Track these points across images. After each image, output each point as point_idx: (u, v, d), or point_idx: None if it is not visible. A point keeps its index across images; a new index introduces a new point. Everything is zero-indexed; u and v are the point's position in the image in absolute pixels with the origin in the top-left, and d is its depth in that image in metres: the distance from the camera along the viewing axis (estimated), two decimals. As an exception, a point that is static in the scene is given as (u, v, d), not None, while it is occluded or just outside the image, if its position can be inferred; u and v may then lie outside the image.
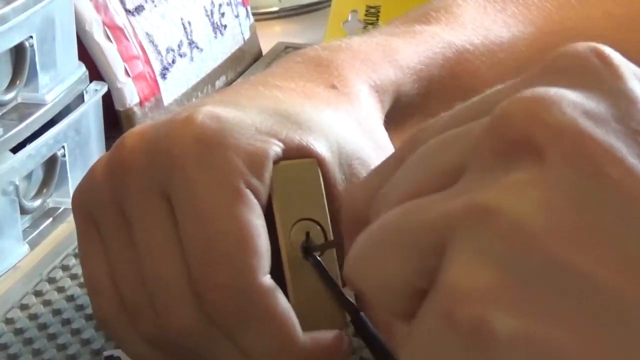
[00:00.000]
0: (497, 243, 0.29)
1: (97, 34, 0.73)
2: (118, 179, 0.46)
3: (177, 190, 0.44)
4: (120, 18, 0.75)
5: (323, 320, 0.45)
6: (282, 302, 0.44)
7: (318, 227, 0.45)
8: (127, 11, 0.76)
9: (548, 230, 0.29)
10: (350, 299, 0.45)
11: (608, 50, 0.32)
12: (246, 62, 0.88)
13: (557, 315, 0.28)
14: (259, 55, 0.89)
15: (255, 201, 0.44)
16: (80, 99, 0.68)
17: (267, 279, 0.43)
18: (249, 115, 0.46)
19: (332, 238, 0.45)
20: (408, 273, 0.31)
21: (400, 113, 0.55)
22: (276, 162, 0.45)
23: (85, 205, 0.48)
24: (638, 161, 0.29)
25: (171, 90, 0.78)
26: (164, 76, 0.77)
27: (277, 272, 0.45)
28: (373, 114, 0.52)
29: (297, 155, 0.46)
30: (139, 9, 0.77)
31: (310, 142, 0.46)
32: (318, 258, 0.45)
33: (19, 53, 0.63)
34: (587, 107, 0.30)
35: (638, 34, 0.62)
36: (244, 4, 0.88)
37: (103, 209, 0.46)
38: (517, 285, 0.29)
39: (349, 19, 0.90)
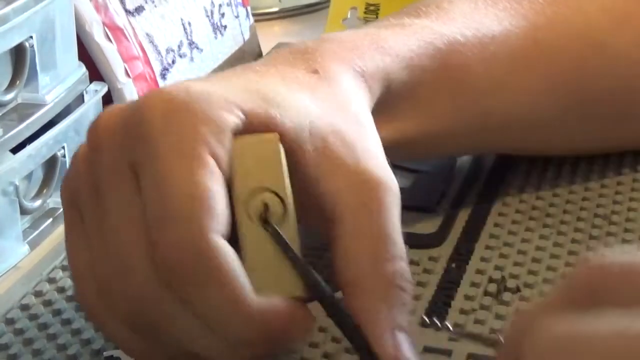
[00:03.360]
0: None
1: (97, 34, 0.73)
2: (93, 159, 0.46)
3: (142, 158, 0.44)
4: (120, 18, 0.75)
5: (281, 292, 0.44)
6: (234, 262, 0.43)
7: (277, 198, 0.45)
8: (127, 12, 0.76)
9: None
10: (310, 269, 0.44)
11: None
12: (246, 62, 0.87)
13: None
14: (259, 56, 0.89)
15: (217, 169, 0.44)
16: (80, 99, 0.68)
17: (220, 239, 0.43)
18: (218, 89, 0.46)
19: (292, 208, 0.45)
20: None
21: (391, 101, 0.55)
22: (239, 134, 0.45)
23: (70, 192, 0.48)
24: None
25: (171, 91, 0.78)
26: (164, 77, 0.77)
27: (239, 247, 0.44)
28: (356, 98, 0.52)
29: (263, 128, 0.46)
30: (139, 9, 0.77)
31: (276, 115, 0.46)
32: (275, 227, 0.45)
33: (19, 53, 0.63)
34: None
35: (632, 30, 0.62)
36: (244, 5, 0.88)
37: (82, 193, 0.46)
38: None
39: (348, 16, 0.90)
